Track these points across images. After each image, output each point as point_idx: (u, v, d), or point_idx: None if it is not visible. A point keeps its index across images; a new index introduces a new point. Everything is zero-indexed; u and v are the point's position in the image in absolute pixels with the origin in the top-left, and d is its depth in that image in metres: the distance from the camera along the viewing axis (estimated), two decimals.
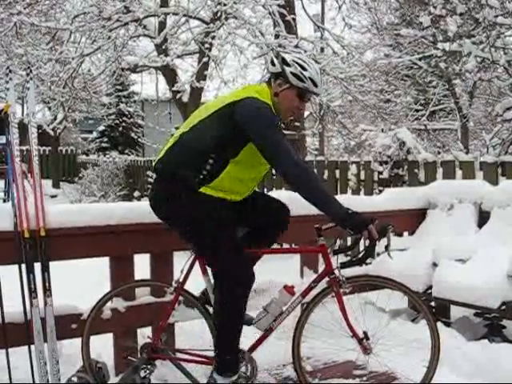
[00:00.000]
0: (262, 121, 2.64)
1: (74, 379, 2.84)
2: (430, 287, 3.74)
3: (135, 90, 19.43)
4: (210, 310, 2.92)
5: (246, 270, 2.71)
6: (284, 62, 2.78)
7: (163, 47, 9.57)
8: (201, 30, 9.42)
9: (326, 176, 7.61)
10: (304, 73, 2.76)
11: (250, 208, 2.94)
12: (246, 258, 2.76)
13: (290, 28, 9.11)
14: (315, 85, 2.80)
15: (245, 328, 2.87)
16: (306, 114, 13.04)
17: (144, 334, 3.13)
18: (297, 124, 9.19)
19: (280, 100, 2.82)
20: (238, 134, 2.67)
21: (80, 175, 13.91)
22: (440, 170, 6.23)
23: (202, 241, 2.76)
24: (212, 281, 2.87)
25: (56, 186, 17.32)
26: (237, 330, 2.75)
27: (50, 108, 13.95)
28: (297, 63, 2.77)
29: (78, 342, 2.91)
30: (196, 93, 9.80)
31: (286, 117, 2.90)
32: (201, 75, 9.34)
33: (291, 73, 2.76)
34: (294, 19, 9.28)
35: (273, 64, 2.82)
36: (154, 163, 2.89)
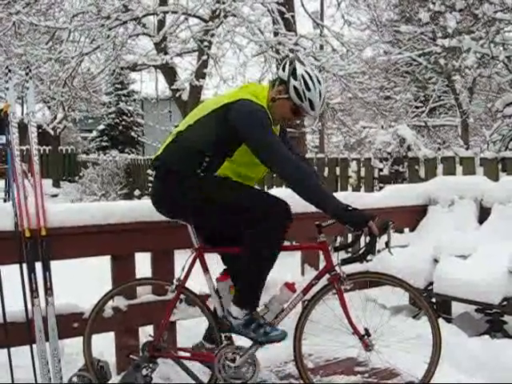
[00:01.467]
0: (254, 123, 2.64)
1: (76, 378, 2.85)
2: (431, 283, 3.74)
3: (135, 89, 19.47)
4: (211, 307, 2.92)
5: (282, 202, 2.72)
6: (293, 72, 2.75)
7: (162, 45, 9.58)
8: (200, 28, 9.42)
9: (326, 173, 7.62)
10: (306, 92, 2.74)
11: None
12: (273, 195, 2.78)
13: (289, 25, 9.11)
14: (312, 108, 2.77)
15: None
16: None
17: (146, 333, 3.14)
18: (296, 122, 9.19)
19: (274, 106, 2.81)
20: (232, 135, 2.68)
21: (80, 174, 13.92)
22: (440, 167, 6.23)
23: (225, 209, 2.72)
24: (213, 280, 2.88)
25: (56, 185, 17.35)
26: (272, 265, 2.74)
27: (49, 107, 13.96)
28: (303, 79, 2.74)
29: (79, 340, 2.91)
30: (195, 91, 9.80)
31: (276, 123, 2.87)
32: (200, 73, 9.35)
33: (294, 87, 2.74)
34: (292, 16, 9.29)
35: (283, 69, 2.80)
36: (152, 160, 2.89)
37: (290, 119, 2.88)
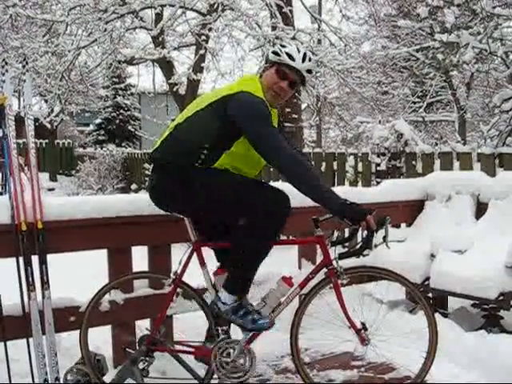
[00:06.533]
0: (253, 115, 2.64)
1: (73, 372, 2.85)
2: (428, 278, 3.74)
3: (132, 83, 19.38)
4: (208, 301, 2.92)
5: (282, 194, 2.72)
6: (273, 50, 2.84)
7: (160, 39, 9.55)
8: (197, 21, 9.41)
9: (323, 168, 7.61)
10: (282, 49, 2.80)
11: None
12: (274, 187, 2.78)
13: (287, 20, 9.09)
14: (292, 58, 2.77)
15: None
16: (304, 106, 13.02)
17: (142, 326, 3.14)
18: (294, 116, 9.20)
19: (262, 82, 2.82)
20: (231, 127, 2.68)
21: (77, 168, 13.88)
22: (437, 162, 6.23)
23: (224, 201, 2.73)
24: (210, 274, 2.87)
25: (53, 179, 17.28)
26: (266, 255, 2.74)
27: (46, 101, 13.91)
28: (280, 45, 2.84)
29: (76, 334, 2.91)
30: (193, 85, 9.79)
31: (271, 99, 2.81)
32: (198, 67, 9.34)
33: (272, 52, 2.82)
34: (290, 11, 9.26)
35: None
36: (150, 154, 2.88)
37: (278, 85, 2.80)
